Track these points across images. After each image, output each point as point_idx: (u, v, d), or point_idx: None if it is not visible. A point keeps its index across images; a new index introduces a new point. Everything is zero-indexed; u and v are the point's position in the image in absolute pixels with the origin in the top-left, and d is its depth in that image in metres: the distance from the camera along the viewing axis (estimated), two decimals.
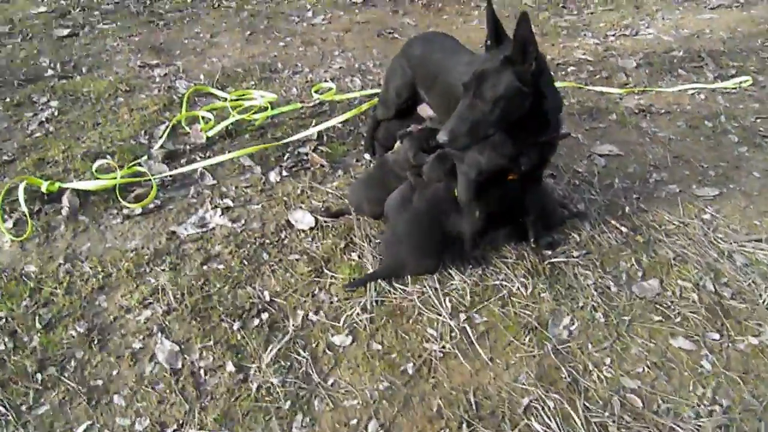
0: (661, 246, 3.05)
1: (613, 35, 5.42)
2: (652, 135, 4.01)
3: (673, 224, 3.20)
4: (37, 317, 2.61)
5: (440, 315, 2.65)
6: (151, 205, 3.26)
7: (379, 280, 2.80)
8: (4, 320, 2.60)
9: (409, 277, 2.82)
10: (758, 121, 4.18)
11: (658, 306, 2.73)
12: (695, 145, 3.92)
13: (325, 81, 4.49)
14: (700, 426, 2.23)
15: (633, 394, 2.35)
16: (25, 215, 3.11)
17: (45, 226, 3.11)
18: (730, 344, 2.56)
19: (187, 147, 3.74)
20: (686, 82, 4.64)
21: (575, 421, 2.22)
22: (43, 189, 3.25)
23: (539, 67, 2.29)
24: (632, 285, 2.83)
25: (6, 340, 2.51)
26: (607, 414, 2.26)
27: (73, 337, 2.54)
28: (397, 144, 3.29)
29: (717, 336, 2.59)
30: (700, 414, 2.28)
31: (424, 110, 3.24)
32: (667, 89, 4.54)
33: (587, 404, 2.30)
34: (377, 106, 3.56)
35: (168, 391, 2.35)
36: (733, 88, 4.56)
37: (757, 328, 2.63)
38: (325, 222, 3.15)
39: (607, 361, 2.48)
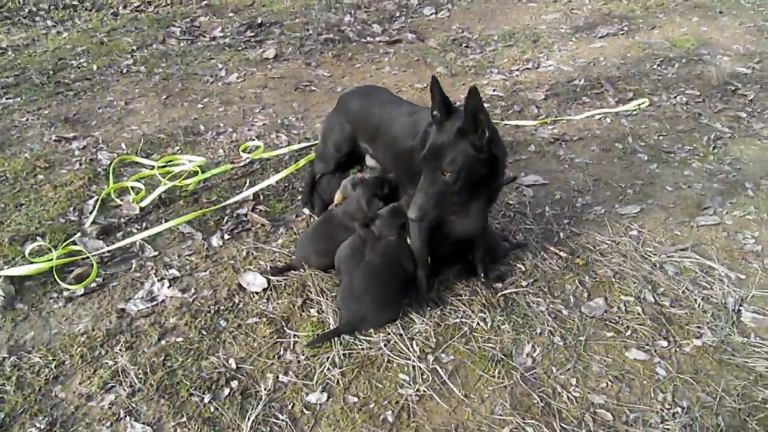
0: (599, 266, 3.26)
1: (518, 70, 5.76)
2: (570, 161, 4.28)
3: (606, 243, 3.43)
4: None
5: (409, 359, 2.71)
6: (93, 284, 3.15)
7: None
8: None
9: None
10: (661, 138, 4.56)
11: (607, 323, 2.91)
12: (611, 167, 4.23)
13: (251, 139, 4.51)
14: (667, 429, 2.39)
15: (602, 408, 2.50)
16: None
17: None
18: (677, 349, 2.78)
19: (121, 220, 3.65)
20: (591, 108, 5.00)
21: None
22: None
23: (491, 134, 2.46)
24: (581, 306, 3.01)
25: None
26: (583, 431, 2.38)
27: None
28: (337, 196, 3.37)
29: (665, 343, 2.80)
30: (665, 418, 2.45)
31: (370, 161, 3.33)
32: (575, 117, 4.87)
33: (563, 425, 2.41)
34: (315, 161, 3.62)
35: None
36: (633, 111, 4.95)
37: (698, 331, 2.86)
38: (278, 281, 3.15)
39: (573, 381, 2.62)
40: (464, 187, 2.52)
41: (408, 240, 2.99)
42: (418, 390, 2.58)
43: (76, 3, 7.41)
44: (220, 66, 5.72)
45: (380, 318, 2.87)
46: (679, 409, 2.49)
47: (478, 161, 2.49)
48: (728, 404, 2.52)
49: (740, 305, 3.00)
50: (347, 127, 3.27)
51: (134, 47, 6.14)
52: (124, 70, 5.63)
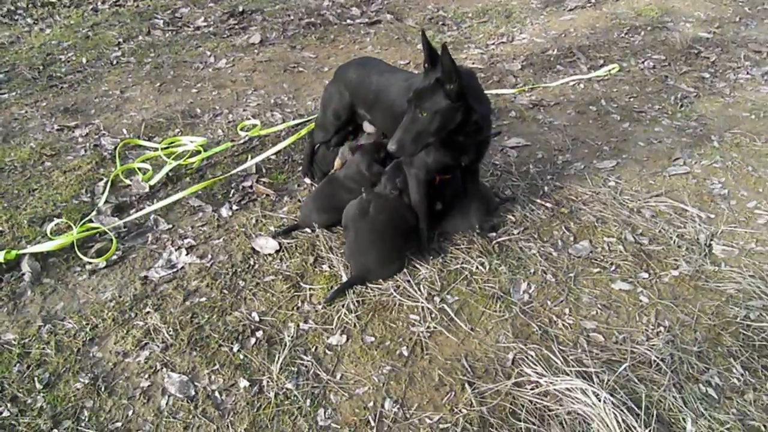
0: (583, 213, 3.56)
1: (493, 44, 6.04)
2: (549, 124, 4.58)
3: (587, 194, 3.73)
4: (35, 379, 2.65)
5: (418, 302, 2.98)
6: (114, 257, 3.35)
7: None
8: None
9: None
10: (631, 100, 4.90)
11: (593, 261, 3.22)
12: (587, 127, 4.54)
13: (248, 119, 4.72)
14: (653, 345, 2.71)
15: (594, 332, 2.81)
16: None
17: (10, 294, 3.11)
18: (657, 279, 3.10)
19: (133, 198, 3.84)
20: (566, 76, 5.31)
21: (556, 361, 2.63)
22: (0, 259, 3.25)
23: (461, 87, 2.74)
24: (568, 248, 3.31)
25: (9, 405, 2.54)
26: (579, 351, 2.69)
27: (78, 389, 2.61)
28: (337, 162, 3.62)
29: (646, 275, 3.12)
30: (650, 336, 2.77)
31: (367, 127, 3.58)
32: (551, 84, 5.17)
33: (561, 348, 2.71)
34: (314, 130, 3.86)
35: (190, 416, 2.50)
36: (605, 76, 5.28)
37: (675, 263, 3.18)
38: (289, 243, 3.38)
39: (566, 311, 2.92)
40: (439, 129, 2.82)
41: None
42: (428, 327, 2.85)
43: (54, 0, 7.48)
44: (208, 53, 5.91)
45: (386, 270, 3.13)
46: (662, 329, 2.81)
47: (451, 108, 2.78)
48: (704, 322, 2.85)
49: (711, 240, 3.33)
50: (346, 96, 3.51)
51: (120, 40, 6.28)
52: (114, 62, 5.78)
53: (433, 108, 2.76)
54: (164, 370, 2.70)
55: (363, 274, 3.09)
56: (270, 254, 3.33)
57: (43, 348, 2.81)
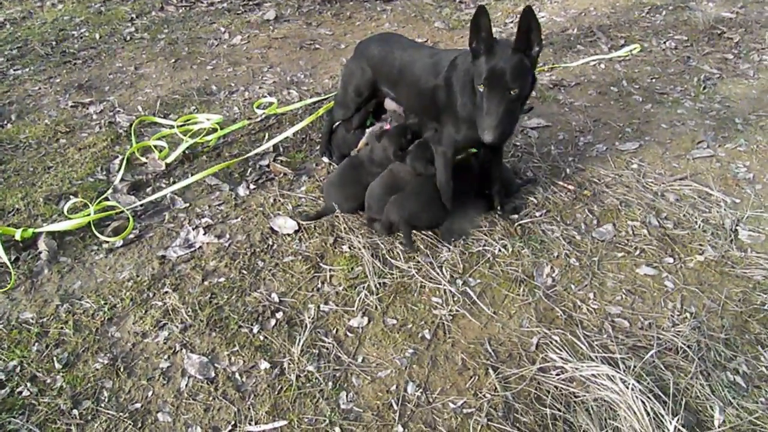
0: (606, 196, 3.50)
1: (512, 22, 5.94)
2: (570, 105, 4.51)
3: (610, 177, 3.67)
4: (54, 358, 2.63)
5: (440, 284, 2.94)
6: (131, 236, 3.32)
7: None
8: (18, 367, 2.60)
9: (402, 257, 3.10)
10: (653, 81, 4.80)
11: (617, 245, 3.17)
12: (608, 108, 4.46)
13: (264, 96, 4.66)
14: (679, 331, 2.66)
15: (619, 317, 2.76)
16: (7, 265, 3.10)
17: (27, 273, 3.10)
18: (682, 264, 3.04)
19: (149, 176, 3.80)
20: (586, 56, 5.22)
21: (581, 347, 2.59)
22: (17, 237, 3.22)
23: (540, 47, 2.66)
24: (592, 232, 3.26)
25: (29, 385, 2.52)
26: (604, 336, 2.65)
27: (98, 369, 2.59)
28: (361, 143, 3.56)
29: (671, 260, 3.06)
30: (675, 322, 2.72)
31: (389, 104, 3.52)
32: (571, 64, 5.09)
33: (585, 333, 2.67)
34: (334, 108, 3.80)
35: (210, 398, 2.47)
36: (626, 56, 5.18)
37: (700, 248, 3.13)
38: (307, 223, 3.34)
39: (591, 295, 2.88)
40: (525, 101, 2.77)
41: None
42: (450, 310, 2.82)
43: None
44: (223, 29, 5.84)
45: (428, 215, 3.14)
46: (687, 315, 2.76)
47: (531, 76, 2.72)
48: (731, 308, 2.80)
49: (737, 225, 3.27)
50: (368, 72, 3.44)
51: (133, 15, 6.21)
52: (128, 38, 5.72)
53: (521, 80, 2.64)
54: (184, 351, 2.67)
55: (406, 219, 3.08)
56: (289, 234, 3.30)
57: (62, 327, 2.79)
